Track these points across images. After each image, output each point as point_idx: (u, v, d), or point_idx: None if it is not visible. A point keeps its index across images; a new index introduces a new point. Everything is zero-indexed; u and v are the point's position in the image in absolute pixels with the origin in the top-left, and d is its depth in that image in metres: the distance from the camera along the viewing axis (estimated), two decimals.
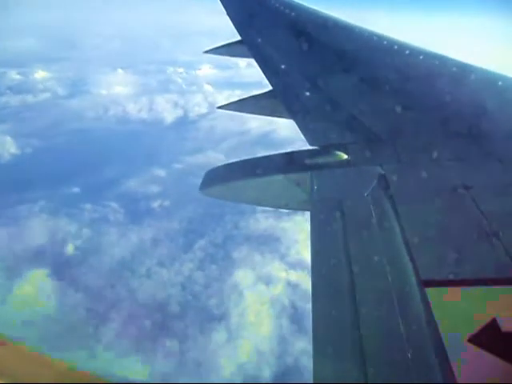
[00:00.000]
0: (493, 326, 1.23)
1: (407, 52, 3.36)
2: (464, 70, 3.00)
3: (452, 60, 3.17)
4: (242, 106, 3.90)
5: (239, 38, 4.58)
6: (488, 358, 1.16)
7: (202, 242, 22.33)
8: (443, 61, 3.20)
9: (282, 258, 20.63)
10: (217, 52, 5.10)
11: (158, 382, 14.10)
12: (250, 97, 3.81)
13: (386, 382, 1.17)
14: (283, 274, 19.43)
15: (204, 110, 46.22)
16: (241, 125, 41.25)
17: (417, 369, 1.17)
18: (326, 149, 2.34)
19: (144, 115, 43.75)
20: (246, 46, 4.39)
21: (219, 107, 4.38)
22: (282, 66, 3.68)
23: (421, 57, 3.28)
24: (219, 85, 60.97)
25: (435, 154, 2.15)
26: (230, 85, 60.41)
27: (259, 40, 4.38)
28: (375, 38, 3.74)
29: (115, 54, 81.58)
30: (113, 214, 27.10)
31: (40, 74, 61.53)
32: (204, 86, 61.54)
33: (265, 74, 3.61)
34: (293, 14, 4.59)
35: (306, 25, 4.40)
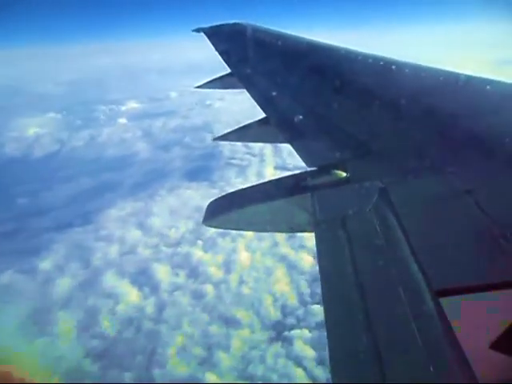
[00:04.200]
0: None
1: (395, 67, 3.45)
2: (454, 78, 3.08)
3: (440, 70, 3.23)
4: (236, 135, 4.03)
5: (228, 70, 4.89)
6: None
7: None
8: (432, 72, 3.25)
9: None
10: (208, 86, 5.33)
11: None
12: (244, 126, 3.90)
13: None
14: None
15: (80, 143, 50.28)
16: (99, 152, 45.22)
17: (442, 382, 1.14)
18: (324, 169, 2.36)
19: (15, 153, 47.56)
20: (235, 77, 4.63)
21: (215, 139, 4.47)
22: (274, 93, 3.80)
23: (408, 70, 3.38)
24: (137, 117, 65.22)
25: (433, 163, 2.15)
26: (148, 115, 64.65)
27: (249, 71, 4.59)
28: (361, 57, 3.90)
29: (55, 99, 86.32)
30: None
31: None
32: (118, 120, 66.13)
33: (257, 102, 3.73)
34: (279, 43, 4.92)
35: (293, 51, 4.68)
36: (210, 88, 5.31)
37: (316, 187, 2.21)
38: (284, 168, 37.23)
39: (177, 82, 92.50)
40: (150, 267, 22.61)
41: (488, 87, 2.77)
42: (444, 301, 1.33)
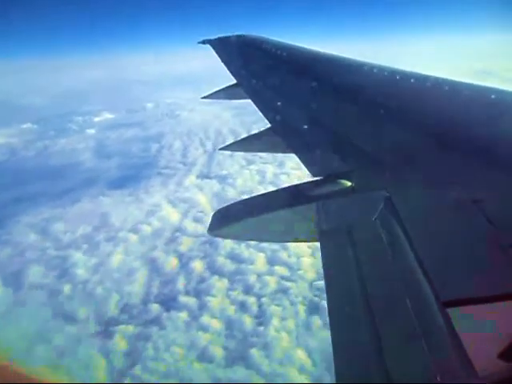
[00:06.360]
0: None
1: (399, 77, 3.51)
2: (457, 87, 3.11)
3: (443, 79, 3.25)
4: (242, 145, 4.13)
5: (234, 81, 4.97)
6: None
7: None
8: (435, 81, 3.28)
9: None
10: (214, 97, 5.49)
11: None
12: (249, 136, 4.05)
13: None
14: None
15: (32, 153, 52.65)
16: (44, 162, 47.34)
17: None
18: (329, 178, 2.37)
19: None
20: (241, 88, 4.70)
21: (221, 148, 4.69)
22: (278, 104, 3.88)
23: (412, 80, 3.41)
24: (107, 128, 67.64)
25: (440, 172, 2.14)
26: (117, 126, 66.98)
27: (254, 81, 4.69)
28: (366, 67, 3.96)
29: (38, 110, 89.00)
30: None
31: None
32: (87, 131, 68.63)
33: (262, 112, 3.81)
34: (284, 53, 5.07)
35: (299, 63, 4.77)
36: (215, 98, 5.52)
37: (321, 197, 2.21)
38: (206, 177, 38.83)
39: (166, 93, 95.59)
40: (27, 269, 24.07)
41: (492, 96, 2.79)
42: (451, 312, 1.32)
